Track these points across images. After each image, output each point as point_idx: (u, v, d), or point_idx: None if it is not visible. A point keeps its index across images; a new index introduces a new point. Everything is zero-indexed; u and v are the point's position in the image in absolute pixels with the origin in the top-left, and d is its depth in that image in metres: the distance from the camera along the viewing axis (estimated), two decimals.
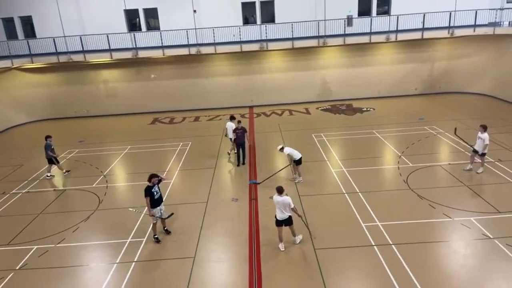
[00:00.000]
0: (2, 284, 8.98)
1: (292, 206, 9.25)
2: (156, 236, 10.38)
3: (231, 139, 16.10)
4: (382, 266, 8.71)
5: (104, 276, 9.04)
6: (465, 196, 11.83)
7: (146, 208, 10.21)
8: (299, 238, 9.74)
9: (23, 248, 10.42)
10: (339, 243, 9.73)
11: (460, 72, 26.00)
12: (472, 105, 23.23)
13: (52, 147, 15.60)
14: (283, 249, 9.45)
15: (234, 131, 15.29)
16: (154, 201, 10.11)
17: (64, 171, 15.98)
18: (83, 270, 9.41)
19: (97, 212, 12.36)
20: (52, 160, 15.54)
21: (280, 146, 13.43)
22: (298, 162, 13.20)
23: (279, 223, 9.38)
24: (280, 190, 9.29)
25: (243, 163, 15.55)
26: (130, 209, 11.42)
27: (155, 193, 10.13)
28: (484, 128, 13.19)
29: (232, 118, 16.71)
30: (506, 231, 9.75)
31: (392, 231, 10.05)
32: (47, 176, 15.65)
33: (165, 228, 10.70)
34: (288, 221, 9.37)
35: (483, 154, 13.24)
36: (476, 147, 13.34)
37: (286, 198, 9.24)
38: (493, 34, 23.20)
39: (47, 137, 15.66)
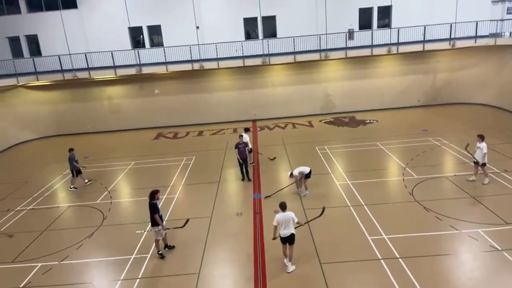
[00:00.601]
0: None
1: (296, 220, 9.12)
2: (160, 252, 10.32)
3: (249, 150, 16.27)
4: (389, 280, 8.58)
5: None
6: (472, 207, 11.70)
7: (151, 226, 10.18)
8: (292, 267, 9.22)
9: (27, 266, 10.37)
10: (345, 257, 9.62)
11: (462, 83, 26.02)
12: (475, 116, 23.18)
13: (76, 158, 16.12)
14: (288, 264, 9.32)
15: (236, 146, 15.26)
16: (159, 217, 10.10)
17: (86, 181, 16.39)
18: (87, 287, 9.32)
19: (101, 228, 12.32)
20: (75, 173, 16.02)
21: (288, 173, 13.61)
22: (307, 175, 13.21)
23: (283, 240, 9.18)
24: (283, 207, 9.12)
25: (249, 180, 15.40)
26: (138, 231, 11.22)
27: (159, 211, 10.16)
28: (481, 138, 13.13)
29: (246, 130, 17.05)
30: None
31: (398, 244, 9.93)
32: (70, 188, 16.02)
33: (168, 245, 10.62)
34: (291, 239, 9.09)
35: (483, 164, 13.11)
36: (476, 157, 13.26)
37: (289, 214, 9.10)
38: (494, 45, 23.29)
39: (70, 149, 16.26)
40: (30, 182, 17.40)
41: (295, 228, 9.18)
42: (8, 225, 13.11)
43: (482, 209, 11.48)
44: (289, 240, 9.10)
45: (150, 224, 10.27)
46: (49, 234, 12.23)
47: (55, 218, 13.41)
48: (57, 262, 10.44)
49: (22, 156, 22.85)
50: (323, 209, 10.00)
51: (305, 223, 9.68)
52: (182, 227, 10.58)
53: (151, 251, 10.59)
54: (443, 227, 10.66)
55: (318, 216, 9.96)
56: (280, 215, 9.07)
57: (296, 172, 13.22)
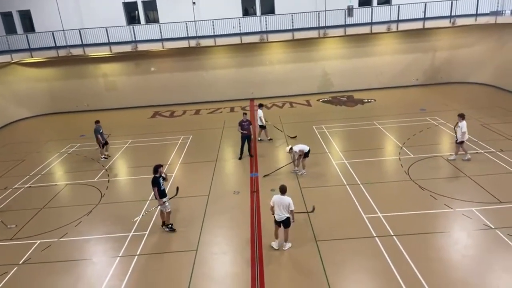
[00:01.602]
0: (6, 278, 9.05)
1: (292, 208, 8.92)
2: (170, 225, 10.48)
3: (260, 126, 17.00)
4: (383, 257, 8.74)
5: (107, 270, 9.10)
6: (467, 186, 11.82)
7: (155, 202, 10.37)
8: (288, 245, 9.31)
9: (26, 243, 10.48)
10: (340, 234, 9.76)
11: (461, 62, 25.82)
12: (473, 95, 23.12)
13: (101, 130, 16.28)
14: (277, 248, 9.26)
15: (240, 123, 15.27)
16: (160, 193, 10.18)
17: (102, 156, 16.53)
18: (86, 264, 9.47)
19: (99, 206, 12.41)
20: (103, 143, 16.38)
21: (288, 148, 13.45)
22: (306, 154, 13.22)
23: (277, 223, 9.12)
24: (283, 190, 8.98)
25: (250, 155, 15.54)
26: (134, 219, 11.04)
27: (161, 185, 10.22)
28: (462, 117, 13.34)
29: (260, 105, 17.31)
30: (508, 221, 9.76)
31: (393, 222, 10.07)
32: (103, 158, 16.47)
33: (170, 225, 10.64)
34: (285, 223, 9.05)
35: (461, 142, 13.36)
36: (457, 135, 13.51)
37: (286, 198, 8.92)
38: (495, 23, 22.96)
39: (96, 121, 16.48)
40: (28, 160, 17.38)
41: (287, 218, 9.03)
42: (6, 202, 13.17)
43: (477, 188, 11.60)
44: (284, 223, 9.03)
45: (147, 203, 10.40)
46: (47, 212, 12.32)
47: (53, 196, 13.47)
48: (56, 239, 10.55)
49: (18, 134, 22.74)
50: (313, 208, 9.73)
51: (293, 221, 9.18)
52: (175, 195, 10.69)
53: (149, 228, 10.71)
54: (438, 205, 10.79)
55: (309, 212, 10.01)
56: (277, 197, 8.98)
57: (296, 148, 13.18)
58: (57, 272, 9.18)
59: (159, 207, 10.43)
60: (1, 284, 8.85)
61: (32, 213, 12.19)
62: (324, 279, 8.20)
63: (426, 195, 11.44)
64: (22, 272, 9.29)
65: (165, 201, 10.30)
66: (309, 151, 13.23)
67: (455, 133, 13.64)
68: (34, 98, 25.97)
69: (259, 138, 17.50)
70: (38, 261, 9.66)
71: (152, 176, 10.17)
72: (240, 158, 15.47)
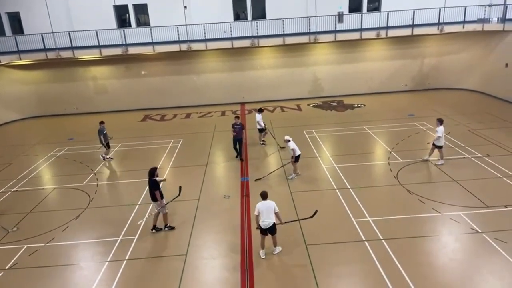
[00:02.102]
0: None
1: (277, 210, 8.94)
2: (169, 225, 10.64)
3: (260, 129, 17.01)
4: (372, 261, 8.80)
5: (95, 275, 8.99)
6: (454, 191, 11.98)
7: (153, 202, 10.43)
8: (278, 249, 9.30)
9: (13, 248, 10.30)
10: (330, 238, 9.80)
11: (449, 69, 26.25)
12: (461, 101, 23.49)
13: (105, 132, 16.24)
14: (264, 257, 9.17)
15: (233, 126, 15.33)
16: (160, 195, 10.36)
17: (108, 157, 16.60)
18: (73, 269, 9.34)
19: (87, 211, 12.26)
20: (108, 144, 16.46)
21: (287, 137, 13.41)
22: (297, 158, 13.25)
23: (263, 231, 8.99)
24: (264, 196, 9.00)
25: (241, 160, 15.55)
26: (139, 222, 10.87)
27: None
28: (440, 122, 13.80)
29: (260, 110, 17.30)
30: (494, 225, 9.91)
31: (382, 226, 10.16)
32: (109, 158, 16.61)
33: (167, 225, 10.73)
34: (272, 229, 8.94)
35: (438, 147, 13.78)
36: (434, 140, 13.94)
37: (270, 202, 8.93)
38: (482, 31, 23.44)
39: (101, 122, 16.47)
40: (15, 164, 17.12)
41: (276, 225, 8.99)
42: None
43: (464, 193, 11.77)
44: (270, 230, 8.93)
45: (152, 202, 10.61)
46: (34, 216, 12.13)
47: (40, 200, 13.28)
48: (43, 244, 10.40)
49: (6, 137, 22.39)
50: (315, 212, 9.43)
51: (285, 222, 9.17)
52: (178, 195, 10.78)
53: (138, 233, 10.62)
54: (426, 209, 10.91)
55: (309, 217, 9.50)
56: (261, 204, 8.91)
57: (292, 145, 13.13)
58: (44, 277, 9.04)
59: (156, 209, 10.42)
60: None
61: (19, 218, 12.00)
62: (314, 283, 8.22)
63: (415, 199, 11.56)
64: (9, 277, 9.12)
65: (165, 203, 10.44)
66: (299, 155, 13.29)
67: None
68: (22, 101, 25.63)
69: (261, 142, 17.48)
70: (25, 266, 9.50)
71: (148, 179, 10.27)
72: (237, 157, 15.57)
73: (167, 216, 10.67)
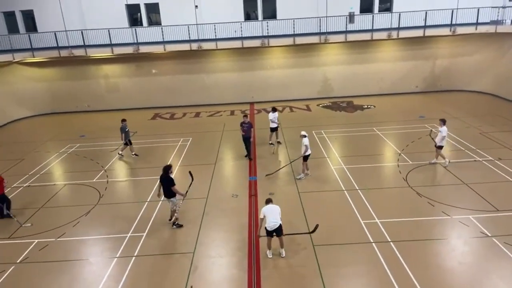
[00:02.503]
0: (3, 277, 9.06)
1: (280, 216, 8.97)
2: (177, 223, 10.83)
3: (271, 128, 17.06)
4: (380, 263, 8.77)
5: (104, 270, 9.11)
6: (465, 194, 11.86)
7: (168, 198, 10.72)
8: (284, 251, 9.28)
9: (24, 242, 10.49)
10: (338, 240, 9.79)
11: (461, 70, 25.95)
12: (473, 103, 23.21)
13: (127, 129, 16.58)
14: (271, 256, 9.21)
15: (241, 125, 15.41)
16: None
17: (121, 152, 16.91)
18: (83, 264, 9.48)
19: (97, 207, 12.42)
20: (128, 142, 16.78)
21: (304, 132, 13.37)
22: (306, 158, 13.28)
23: (270, 233, 8.98)
24: (269, 201, 9.14)
25: (250, 159, 15.61)
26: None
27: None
28: (443, 122, 13.83)
29: (274, 109, 17.26)
30: (504, 229, 9.80)
31: (390, 228, 10.10)
32: (132, 155, 16.96)
33: (176, 222, 10.88)
34: (278, 231, 8.90)
35: (439, 147, 13.71)
36: (436, 140, 13.85)
37: (275, 206, 9.03)
38: (495, 32, 23.12)
39: (123, 120, 16.78)
40: (27, 160, 17.39)
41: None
42: None
43: (474, 196, 11.65)
44: (276, 231, 8.92)
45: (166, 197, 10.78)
46: (45, 212, 12.33)
47: (51, 195, 13.48)
48: (53, 239, 10.57)
49: (18, 133, 22.75)
50: (316, 226, 9.29)
51: (285, 234, 9.11)
52: (192, 180, 11.29)
53: (147, 230, 10.74)
54: (435, 212, 10.83)
55: (310, 232, 9.43)
56: (265, 207, 8.96)
57: (306, 141, 13.14)
58: (54, 272, 9.18)
59: (173, 204, 10.74)
60: None
61: (30, 212, 12.20)
62: (321, 284, 8.22)
63: (424, 202, 11.48)
64: (20, 271, 9.29)
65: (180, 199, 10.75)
66: (309, 155, 13.29)
67: (434, 137, 14.18)
68: (35, 98, 26.01)
69: (277, 141, 17.66)
70: (35, 260, 9.67)
71: (163, 176, 10.53)
72: (246, 156, 15.69)
73: (178, 215, 10.82)
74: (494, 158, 14.30)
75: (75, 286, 8.66)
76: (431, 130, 15.02)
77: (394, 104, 24.03)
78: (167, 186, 10.49)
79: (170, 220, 10.95)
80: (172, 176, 10.75)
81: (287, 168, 14.40)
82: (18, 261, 9.63)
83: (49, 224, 11.39)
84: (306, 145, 13.11)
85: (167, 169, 10.55)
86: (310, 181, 13.38)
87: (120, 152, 16.96)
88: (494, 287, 7.91)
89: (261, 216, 8.95)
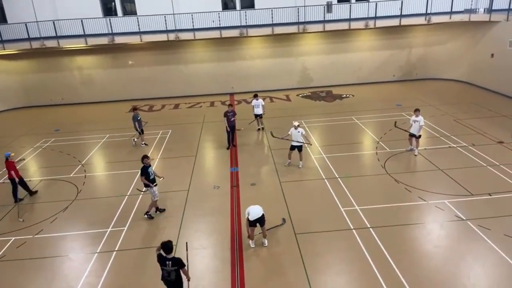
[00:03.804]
0: None
1: (263, 212, 9.08)
2: (149, 213, 10.84)
3: (255, 115, 17.69)
4: (360, 248, 8.97)
5: (84, 266, 8.98)
6: (440, 179, 12.21)
7: (145, 188, 10.74)
8: (267, 240, 9.39)
9: (0, 240, 10.20)
10: (319, 227, 9.94)
11: (436, 59, 26.51)
12: (447, 91, 23.78)
13: (139, 118, 16.47)
14: (253, 246, 9.29)
15: (225, 114, 15.47)
16: (150, 181, 10.60)
17: (143, 143, 16.86)
18: (63, 260, 9.30)
19: (75, 202, 12.18)
20: (142, 130, 16.73)
21: (297, 123, 13.26)
22: (293, 147, 13.36)
23: (253, 223, 9.06)
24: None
25: (233, 145, 15.86)
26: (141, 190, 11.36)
27: (150, 174, 10.60)
28: (418, 111, 14.01)
29: (255, 96, 17.76)
30: (478, 212, 10.16)
31: (370, 215, 10.32)
32: (142, 144, 16.82)
33: (158, 208, 11.05)
34: (261, 220, 9.01)
35: (419, 136, 13.97)
36: (411, 131, 14.04)
37: (259, 207, 9.08)
38: (468, 21, 23.66)
39: (134, 109, 16.93)
40: (0, 155, 16.80)
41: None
42: None
43: (449, 181, 12.01)
44: (259, 221, 9.02)
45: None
46: (21, 208, 11.99)
47: (26, 192, 13.10)
48: (31, 236, 10.32)
49: None
50: (283, 220, 10.17)
51: (268, 229, 9.46)
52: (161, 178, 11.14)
53: (127, 224, 10.62)
54: (412, 198, 11.12)
55: (278, 225, 10.00)
56: (252, 208, 8.99)
57: (300, 131, 13.17)
58: (33, 269, 8.99)
59: (151, 193, 10.75)
60: None
61: (6, 210, 11.87)
62: (303, 271, 8.36)
63: (401, 188, 11.76)
64: None
65: (154, 187, 10.70)
66: (296, 146, 13.36)
67: (409, 128, 14.22)
68: (7, 91, 25.12)
69: (262, 127, 18.10)
70: (13, 258, 9.44)
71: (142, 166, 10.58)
72: (228, 148, 15.78)
73: (155, 203, 10.91)
74: (468, 144, 14.75)
75: (56, 282, 8.51)
76: (395, 121, 15.29)
77: (372, 93, 24.38)
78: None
79: (147, 212, 10.93)
80: (151, 168, 10.75)
81: (267, 160, 14.45)
82: None
83: (26, 221, 11.12)
84: (295, 134, 13.18)
85: (142, 158, 10.65)
86: (291, 170, 13.49)
87: (135, 140, 16.97)
88: (469, 268, 8.22)
89: (246, 215, 9.02)
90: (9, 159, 12.27)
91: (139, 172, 10.68)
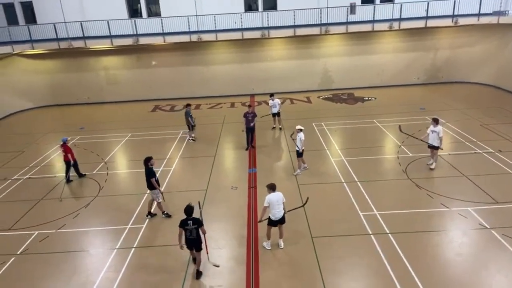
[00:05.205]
0: (4, 268, 9.13)
1: (284, 200, 9.00)
2: (166, 212, 10.94)
3: (271, 114, 18.19)
4: (378, 254, 8.80)
5: (104, 261, 9.18)
6: (464, 186, 11.86)
7: (150, 190, 10.82)
8: (283, 242, 9.32)
9: (24, 234, 10.55)
10: (336, 231, 9.81)
11: (463, 62, 25.78)
12: (474, 95, 23.09)
13: (191, 114, 17.09)
14: (269, 248, 9.23)
15: (245, 115, 15.60)
16: (157, 182, 10.75)
17: (190, 138, 17.44)
18: (83, 255, 9.54)
19: (97, 199, 12.47)
20: (190, 126, 17.25)
21: (300, 127, 12.98)
22: (300, 154, 13.10)
23: (274, 223, 9.01)
24: (273, 187, 8.96)
25: (252, 147, 15.91)
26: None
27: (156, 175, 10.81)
28: (436, 122, 12.78)
29: (271, 95, 18.23)
30: (503, 221, 9.81)
31: (389, 220, 10.12)
32: (189, 139, 17.43)
33: (165, 212, 11.05)
34: (282, 220, 9.01)
35: (436, 147, 12.81)
36: (430, 142, 12.85)
37: (279, 193, 8.96)
38: (497, 23, 22.90)
39: (187, 105, 17.45)
40: (27, 152, 17.43)
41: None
42: (5, 193, 13.24)
43: (474, 188, 11.64)
44: (281, 221, 9.01)
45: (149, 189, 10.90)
46: (45, 203, 12.38)
47: (51, 187, 13.52)
48: (54, 230, 10.63)
49: (18, 126, 22.77)
50: (307, 198, 9.88)
51: (288, 211, 9.26)
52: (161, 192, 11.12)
53: (146, 222, 10.79)
54: (434, 204, 10.84)
55: (302, 205, 9.89)
56: (272, 196, 8.88)
57: (302, 135, 12.81)
58: (54, 263, 9.25)
59: (151, 197, 10.91)
60: None
61: (30, 204, 12.26)
62: (319, 275, 8.27)
63: (423, 194, 11.48)
64: (20, 262, 9.36)
65: (161, 192, 10.87)
66: (303, 151, 13.10)
67: (426, 137, 13.06)
68: (35, 90, 25.98)
69: (279, 126, 18.44)
70: (35, 251, 9.74)
71: (145, 167, 10.63)
72: (246, 149, 15.79)
73: (162, 205, 10.96)
74: (494, 150, 14.27)
75: (76, 276, 8.72)
76: (399, 125, 14.83)
77: (395, 96, 23.93)
78: (147, 178, 10.60)
79: (147, 215, 10.98)
80: (158, 169, 11.00)
81: (285, 162, 14.41)
82: (18, 253, 9.70)
83: (49, 215, 11.45)
84: (301, 140, 12.88)
85: (145, 160, 10.62)
86: (309, 173, 13.38)
87: (193, 136, 17.44)
88: (491, 279, 7.94)
89: (265, 204, 8.88)
90: (66, 144, 13.72)
91: (147, 174, 10.52)
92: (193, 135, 17.50)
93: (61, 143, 13.91)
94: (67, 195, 12.94)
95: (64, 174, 13.91)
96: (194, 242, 8.30)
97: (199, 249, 8.36)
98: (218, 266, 8.67)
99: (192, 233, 8.18)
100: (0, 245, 10.11)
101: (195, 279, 8.41)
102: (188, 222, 8.16)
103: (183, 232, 8.22)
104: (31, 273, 8.97)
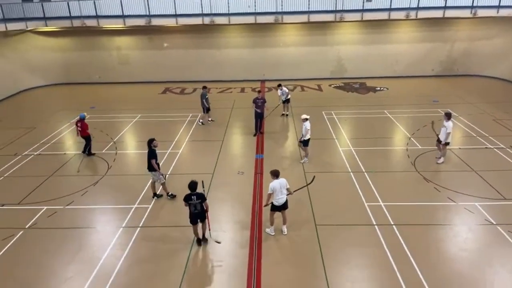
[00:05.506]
0: (12, 241, 9.35)
1: (288, 186, 9.01)
2: (170, 193, 11.05)
3: (283, 101, 18.10)
4: (381, 245, 8.80)
5: (110, 239, 9.34)
6: (472, 181, 11.72)
7: (149, 171, 10.85)
8: (286, 229, 9.37)
9: (33, 208, 10.76)
10: (340, 220, 9.82)
11: (480, 55, 25.22)
12: (489, 90, 22.64)
13: (207, 96, 17.15)
14: (273, 233, 9.29)
15: (254, 101, 15.57)
16: (157, 164, 10.80)
17: (210, 119, 17.73)
18: (90, 232, 9.71)
19: (105, 177, 12.63)
20: (205, 109, 17.27)
21: (305, 116, 12.84)
22: (306, 143, 13.01)
23: (277, 208, 9.07)
24: (277, 174, 8.94)
25: (261, 132, 15.92)
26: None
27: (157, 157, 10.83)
28: (448, 116, 12.46)
29: (279, 85, 18.09)
30: (510, 218, 9.70)
31: (394, 211, 10.08)
32: (199, 122, 17.58)
33: (169, 193, 11.13)
34: (286, 205, 9.08)
35: (446, 144, 12.57)
36: (440, 136, 12.64)
37: (283, 180, 8.96)
38: None
39: (204, 87, 17.46)
40: (38, 128, 17.65)
41: (287, 195, 9.10)
42: (15, 168, 13.48)
43: (482, 183, 11.51)
44: (284, 206, 9.08)
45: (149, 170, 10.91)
46: (55, 180, 12.58)
47: (61, 164, 13.72)
48: (62, 207, 10.82)
49: (30, 102, 23.03)
50: (313, 177, 9.97)
51: (294, 191, 9.32)
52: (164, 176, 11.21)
53: (152, 202, 10.91)
54: (441, 198, 10.75)
55: (308, 184, 10.04)
56: (275, 183, 8.90)
57: (308, 125, 12.71)
58: (61, 238, 9.44)
59: (151, 178, 11.00)
60: (7, 246, 9.15)
61: (40, 180, 12.47)
62: (321, 262, 8.32)
63: (430, 187, 11.39)
64: (28, 236, 9.57)
65: (162, 173, 10.95)
66: (308, 140, 13.01)
67: (439, 132, 12.71)
68: (47, 67, 26.17)
69: (286, 113, 18.42)
70: (43, 226, 9.94)
71: (148, 149, 10.64)
72: (255, 135, 15.80)
73: (166, 186, 11.06)
74: (505, 146, 14.04)
75: (82, 252, 8.90)
76: (432, 121, 14.16)
77: (408, 87, 23.58)
78: (148, 158, 10.65)
79: (168, 194, 11.11)
80: (165, 151, 11.01)
81: (292, 149, 14.38)
82: (27, 226, 9.91)
83: (58, 192, 11.65)
84: (308, 129, 12.78)
85: (148, 142, 10.68)
86: (316, 162, 13.34)
87: (203, 120, 17.50)
88: (495, 275, 7.89)
89: (269, 191, 8.92)
90: (83, 120, 14.02)
91: (148, 155, 10.57)
92: (209, 118, 17.68)
93: (78, 118, 14.12)
94: (75, 173, 13.11)
95: (83, 149, 14.26)
96: (199, 215, 8.79)
97: (204, 219, 8.90)
98: (219, 243, 8.90)
99: (197, 207, 8.63)
100: (9, 219, 10.35)
101: (198, 246, 8.89)
102: (192, 197, 8.57)
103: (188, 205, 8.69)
104: (38, 247, 9.16)
